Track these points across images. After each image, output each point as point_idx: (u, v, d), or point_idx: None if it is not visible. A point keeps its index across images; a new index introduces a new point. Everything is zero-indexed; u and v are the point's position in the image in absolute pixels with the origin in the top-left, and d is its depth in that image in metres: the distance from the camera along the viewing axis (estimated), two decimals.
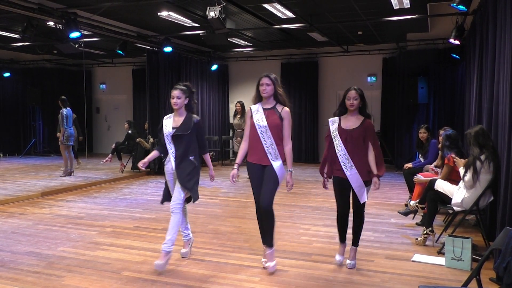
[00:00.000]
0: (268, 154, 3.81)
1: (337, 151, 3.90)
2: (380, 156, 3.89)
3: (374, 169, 3.85)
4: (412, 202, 5.28)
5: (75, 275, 3.83)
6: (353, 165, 3.83)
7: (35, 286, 3.62)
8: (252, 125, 3.90)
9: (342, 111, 4.01)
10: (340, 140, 3.89)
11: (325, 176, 4.09)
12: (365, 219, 5.83)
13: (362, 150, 3.86)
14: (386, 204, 6.85)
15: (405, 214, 5.52)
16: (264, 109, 3.90)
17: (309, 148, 12.35)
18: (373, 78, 11.84)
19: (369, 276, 3.85)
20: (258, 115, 3.89)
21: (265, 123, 3.82)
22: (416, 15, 8.30)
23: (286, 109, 3.90)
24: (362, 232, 5.17)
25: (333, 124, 4.00)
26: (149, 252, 4.47)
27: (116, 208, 6.59)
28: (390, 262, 4.20)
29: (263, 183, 3.84)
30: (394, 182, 8.98)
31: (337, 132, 3.92)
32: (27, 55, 13.26)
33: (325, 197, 7.43)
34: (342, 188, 3.95)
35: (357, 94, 3.88)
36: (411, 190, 6.25)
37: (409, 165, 6.65)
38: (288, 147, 3.90)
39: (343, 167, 3.86)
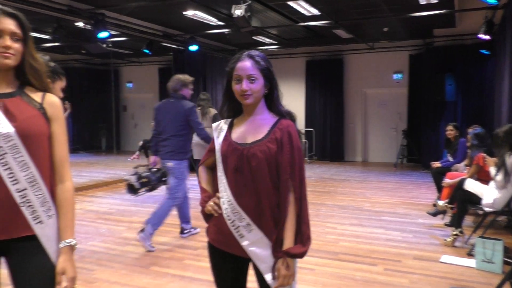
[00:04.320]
0: (24, 209, 1.57)
1: (220, 193, 1.84)
2: (305, 210, 1.77)
3: (288, 238, 1.74)
4: (441, 202, 5.20)
5: (105, 269, 3.93)
6: (251, 223, 1.77)
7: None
8: None
9: (233, 107, 1.91)
10: (223, 170, 1.83)
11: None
12: (392, 218, 5.85)
13: (272, 191, 1.77)
14: (413, 203, 6.76)
15: (434, 214, 5.44)
16: None
17: (334, 147, 12.25)
18: (400, 76, 11.66)
19: (396, 276, 3.81)
20: None
21: (9, 128, 1.58)
22: (443, 10, 8.13)
23: (54, 98, 1.73)
24: (389, 232, 5.17)
25: (220, 133, 1.90)
26: (177, 248, 4.55)
27: (144, 204, 6.71)
28: (418, 262, 4.15)
29: None
30: (421, 181, 8.85)
31: (219, 152, 1.86)
32: (56, 55, 13.55)
33: (351, 196, 7.39)
34: (227, 272, 1.91)
35: (255, 68, 1.79)
36: (439, 190, 6.15)
37: (438, 164, 6.54)
38: (67, 184, 1.69)
39: (230, 226, 1.79)
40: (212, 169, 1.97)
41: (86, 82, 14.13)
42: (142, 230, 4.50)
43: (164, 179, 4.79)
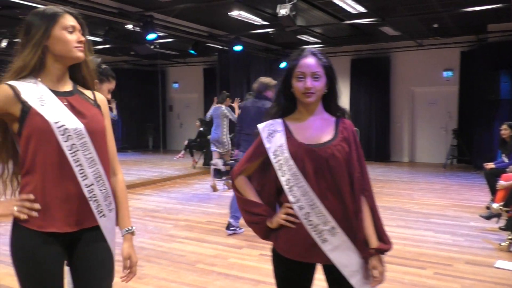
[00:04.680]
0: (91, 203, 1.63)
1: (292, 198, 1.70)
2: (376, 206, 1.80)
3: (372, 235, 1.75)
4: (495, 205, 4.96)
5: (153, 265, 4.04)
6: (336, 225, 1.69)
7: (117, 274, 3.85)
8: (39, 131, 1.57)
9: (286, 105, 1.83)
10: (301, 173, 1.70)
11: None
12: (442, 221, 5.65)
13: (351, 191, 1.73)
14: (465, 206, 6.49)
15: (488, 217, 5.19)
16: (55, 92, 1.64)
17: (380, 147, 11.98)
18: (450, 73, 11.23)
19: (447, 281, 3.67)
20: (48, 105, 1.60)
21: (78, 124, 1.61)
22: (499, 5, 7.74)
23: (102, 96, 1.82)
24: (439, 235, 4.99)
25: (273, 134, 1.77)
26: (221, 247, 4.60)
27: (189, 203, 6.83)
28: (470, 267, 3.98)
29: (84, 282, 1.70)
30: (473, 183, 8.48)
31: (288, 154, 1.72)
32: (107, 57, 14.08)
33: (397, 197, 7.20)
34: (297, 281, 1.80)
35: (319, 66, 1.75)
36: (493, 192, 5.86)
37: (491, 165, 6.24)
38: (119, 177, 1.83)
39: (311, 232, 1.69)
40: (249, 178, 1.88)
41: (134, 82, 14.58)
42: (228, 227, 5.07)
43: None
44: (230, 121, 7.77)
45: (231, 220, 5.04)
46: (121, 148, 14.51)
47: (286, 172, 1.72)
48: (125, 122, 14.39)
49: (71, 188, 1.59)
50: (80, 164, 1.60)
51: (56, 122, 1.57)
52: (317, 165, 1.70)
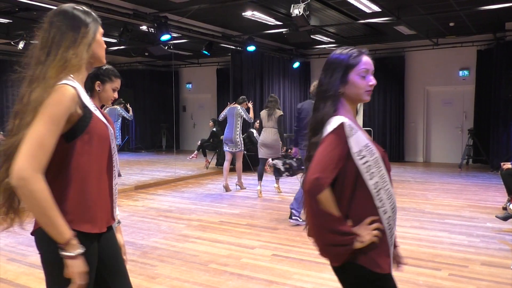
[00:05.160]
0: (114, 200, 1.75)
1: (378, 203, 1.59)
2: None
3: None
4: None
5: (166, 265, 4.06)
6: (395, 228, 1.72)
7: (131, 273, 3.84)
8: (100, 136, 1.60)
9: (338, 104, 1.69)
10: (388, 174, 1.66)
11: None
12: (457, 222, 5.58)
13: None
14: (481, 206, 6.40)
15: (504, 218, 5.11)
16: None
17: (394, 146, 11.88)
18: (466, 72, 11.08)
19: (463, 282, 3.62)
20: (97, 109, 1.67)
21: (111, 128, 1.71)
22: None
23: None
24: (454, 236, 4.93)
25: (352, 132, 1.59)
26: (234, 247, 4.60)
27: (202, 203, 6.86)
28: (486, 268, 3.92)
29: (115, 271, 1.74)
30: (489, 183, 8.36)
31: (378, 154, 1.64)
32: (121, 58, 14.23)
33: (412, 197, 7.13)
34: None
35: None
36: (510, 193, 5.77)
37: (508, 165, 6.13)
38: None
39: (388, 237, 1.62)
40: None
41: (149, 83, 14.70)
42: (290, 216, 5.43)
43: (303, 167, 5.51)
44: (244, 122, 7.79)
45: (294, 211, 5.36)
46: (134, 148, 14.65)
47: (375, 174, 1.59)
48: (139, 122, 14.50)
49: (108, 188, 1.68)
50: (114, 166, 1.71)
51: (108, 127, 1.64)
52: (387, 166, 1.67)
